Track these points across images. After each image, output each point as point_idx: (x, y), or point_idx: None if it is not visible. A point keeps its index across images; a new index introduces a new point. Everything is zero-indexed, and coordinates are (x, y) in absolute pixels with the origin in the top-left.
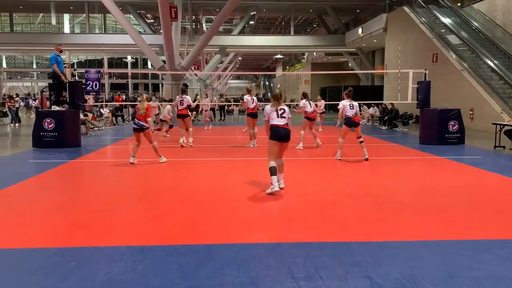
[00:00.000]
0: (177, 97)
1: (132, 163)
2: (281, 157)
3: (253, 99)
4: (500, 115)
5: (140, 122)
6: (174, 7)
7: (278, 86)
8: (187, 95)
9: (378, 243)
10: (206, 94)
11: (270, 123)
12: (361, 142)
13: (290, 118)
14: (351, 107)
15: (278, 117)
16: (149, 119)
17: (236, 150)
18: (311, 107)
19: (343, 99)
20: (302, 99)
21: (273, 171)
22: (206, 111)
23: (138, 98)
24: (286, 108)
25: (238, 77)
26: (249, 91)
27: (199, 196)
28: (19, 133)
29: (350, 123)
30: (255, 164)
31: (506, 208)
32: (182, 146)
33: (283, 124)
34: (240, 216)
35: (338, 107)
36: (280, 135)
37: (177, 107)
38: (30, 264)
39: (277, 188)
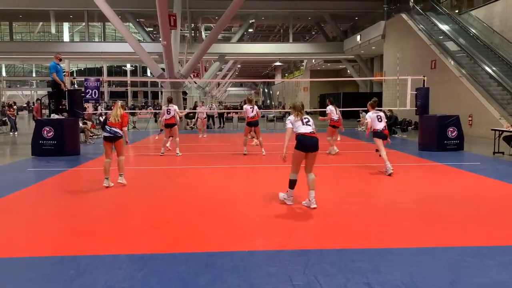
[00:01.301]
0: (164, 106)
1: (107, 187)
2: (311, 170)
3: (253, 107)
4: (498, 121)
5: (113, 128)
6: (173, 15)
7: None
8: (174, 104)
9: (379, 250)
10: (202, 102)
11: (296, 132)
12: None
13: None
14: (379, 119)
15: (304, 124)
16: (125, 128)
17: (235, 157)
18: (337, 114)
19: (368, 111)
20: (328, 105)
21: (292, 184)
22: (202, 119)
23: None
24: (310, 117)
25: (241, 85)
26: (249, 101)
27: (198, 203)
28: (18, 142)
29: (382, 136)
30: (255, 171)
31: (507, 214)
32: (161, 154)
33: (310, 132)
34: (240, 224)
35: (366, 120)
36: (306, 143)
37: (164, 116)
38: (30, 273)
39: (290, 203)
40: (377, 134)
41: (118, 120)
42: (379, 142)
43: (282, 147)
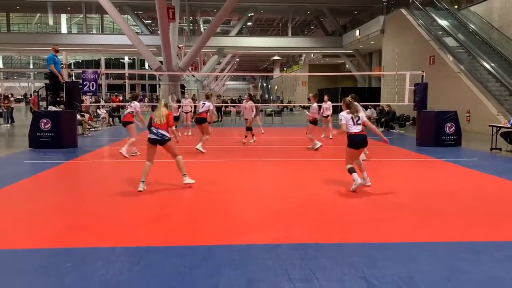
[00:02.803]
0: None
1: (141, 191)
2: (357, 158)
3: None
4: (496, 117)
5: (160, 131)
6: (171, 8)
7: (276, 87)
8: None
9: (375, 245)
10: (190, 94)
11: (348, 131)
12: None
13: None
14: (356, 121)
15: (354, 124)
16: (172, 128)
17: (233, 151)
18: (320, 111)
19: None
20: (313, 102)
21: (352, 170)
22: (186, 113)
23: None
24: (361, 115)
25: (244, 78)
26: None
27: (195, 197)
28: (15, 133)
29: (356, 144)
30: (253, 165)
31: (503, 210)
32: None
33: (359, 131)
34: (237, 217)
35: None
36: (356, 141)
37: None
38: (27, 265)
39: (359, 181)
40: (351, 141)
41: (163, 121)
42: (349, 152)
43: (281, 141)
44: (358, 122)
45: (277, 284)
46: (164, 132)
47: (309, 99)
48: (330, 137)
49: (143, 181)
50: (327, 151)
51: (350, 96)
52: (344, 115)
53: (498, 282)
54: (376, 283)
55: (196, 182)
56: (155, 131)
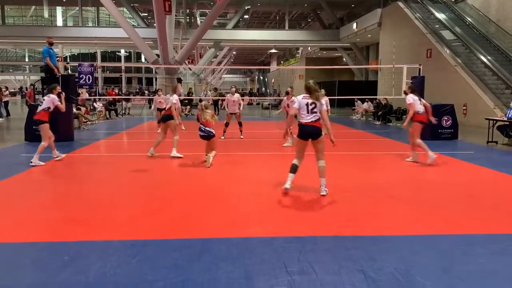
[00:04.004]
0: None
1: (208, 167)
2: (321, 158)
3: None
4: (493, 110)
5: (207, 128)
6: (168, 0)
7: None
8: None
9: (373, 238)
10: (158, 92)
11: (299, 120)
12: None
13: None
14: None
15: (308, 112)
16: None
17: (229, 144)
18: (421, 104)
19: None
20: (408, 93)
21: (292, 168)
22: (160, 111)
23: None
24: (319, 103)
25: (245, 72)
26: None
27: (193, 190)
28: (10, 127)
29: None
30: (250, 158)
31: (499, 203)
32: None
33: (311, 122)
34: (235, 211)
35: (408, 102)
36: (304, 131)
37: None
38: (23, 259)
39: (287, 186)
40: (299, 130)
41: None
42: (297, 142)
43: (277, 134)
44: (314, 111)
45: (274, 276)
46: (210, 129)
47: (405, 92)
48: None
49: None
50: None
51: (312, 80)
52: (299, 99)
53: (493, 274)
54: (373, 275)
55: (193, 175)
56: (202, 129)
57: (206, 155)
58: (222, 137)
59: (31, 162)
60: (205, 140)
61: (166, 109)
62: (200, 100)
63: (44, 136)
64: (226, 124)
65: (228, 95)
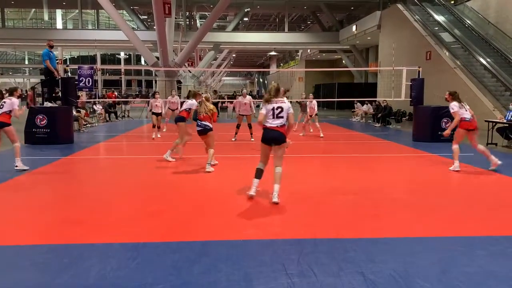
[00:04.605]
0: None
1: (209, 172)
2: (278, 164)
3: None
4: (492, 112)
5: (203, 122)
6: (167, 2)
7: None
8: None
9: (372, 240)
10: (172, 92)
11: (264, 124)
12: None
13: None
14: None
15: (274, 117)
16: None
17: (229, 147)
18: (466, 110)
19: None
20: (449, 101)
21: (256, 173)
22: (173, 110)
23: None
24: (285, 107)
25: (245, 74)
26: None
27: (193, 192)
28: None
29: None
30: (249, 161)
31: (498, 204)
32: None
33: (275, 126)
34: (234, 213)
35: (452, 111)
36: (266, 136)
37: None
38: (23, 261)
39: (252, 192)
40: (262, 134)
41: (211, 112)
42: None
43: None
44: (280, 115)
45: (274, 279)
46: (206, 123)
47: (446, 99)
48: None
49: (209, 163)
50: (323, 147)
51: (277, 83)
52: (266, 105)
53: (492, 275)
54: (373, 277)
55: (193, 177)
56: (199, 123)
57: (207, 150)
58: (233, 139)
59: (16, 167)
60: (202, 136)
61: (181, 111)
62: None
63: (14, 138)
64: (238, 126)
65: (240, 97)
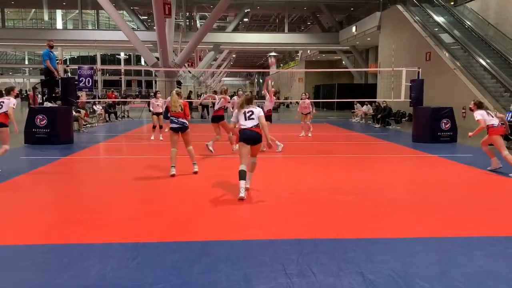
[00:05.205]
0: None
1: (173, 175)
2: (254, 155)
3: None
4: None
5: (180, 119)
6: (167, 3)
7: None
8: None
9: (371, 240)
10: (157, 94)
11: (240, 126)
12: None
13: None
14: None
15: (246, 119)
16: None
17: (226, 147)
18: (493, 117)
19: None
20: (474, 110)
21: (240, 175)
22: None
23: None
24: (256, 110)
25: (248, 74)
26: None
27: (192, 193)
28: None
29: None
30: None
31: (498, 205)
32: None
33: (250, 127)
34: (234, 213)
35: (477, 119)
36: (243, 135)
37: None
38: (23, 261)
39: (242, 195)
40: (240, 134)
41: (182, 109)
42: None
43: (276, 138)
44: (251, 117)
45: (273, 279)
46: (183, 120)
47: (470, 109)
48: (309, 134)
49: (173, 166)
50: (322, 147)
51: (248, 93)
52: (239, 112)
53: (492, 275)
54: (372, 278)
55: (192, 177)
56: (175, 120)
57: (172, 149)
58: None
59: None
60: (177, 133)
61: (216, 110)
62: (200, 104)
63: (6, 140)
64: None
65: (235, 97)
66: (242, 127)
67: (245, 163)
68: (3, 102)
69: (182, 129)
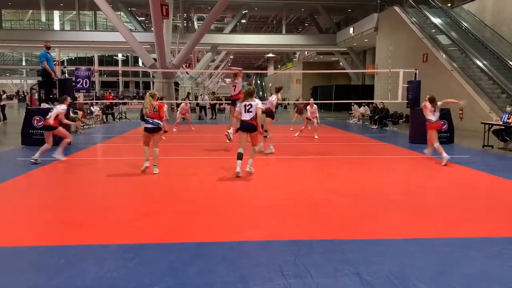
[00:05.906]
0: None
1: (143, 171)
2: (254, 144)
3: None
4: (488, 114)
5: (155, 120)
6: (165, 4)
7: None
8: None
9: (368, 241)
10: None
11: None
12: None
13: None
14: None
15: (245, 112)
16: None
17: (223, 148)
18: (435, 112)
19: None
20: (427, 104)
21: (238, 155)
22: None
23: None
24: (254, 103)
25: (243, 76)
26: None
27: (189, 194)
28: (7, 131)
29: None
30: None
31: (494, 206)
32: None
33: (248, 119)
34: (231, 214)
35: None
36: (242, 126)
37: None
38: (20, 262)
39: (238, 170)
40: (239, 125)
41: (156, 110)
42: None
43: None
44: (250, 110)
45: (270, 280)
46: (158, 121)
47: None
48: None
49: (147, 160)
50: (320, 148)
51: (251, 86)
52: (241, 104)
53: (488, 276)
54: (369, 278)
55: (189, 178)
56: (150, 121)
57: (145, 147)
58: (228, 140)
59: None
60: (152, 134)
61: (235, 94)
62: (197, 104)
63: (66, 135)
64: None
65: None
66: (242, 118)
67: (242, 147)
68: (53, 109)
69: (156, 129)
